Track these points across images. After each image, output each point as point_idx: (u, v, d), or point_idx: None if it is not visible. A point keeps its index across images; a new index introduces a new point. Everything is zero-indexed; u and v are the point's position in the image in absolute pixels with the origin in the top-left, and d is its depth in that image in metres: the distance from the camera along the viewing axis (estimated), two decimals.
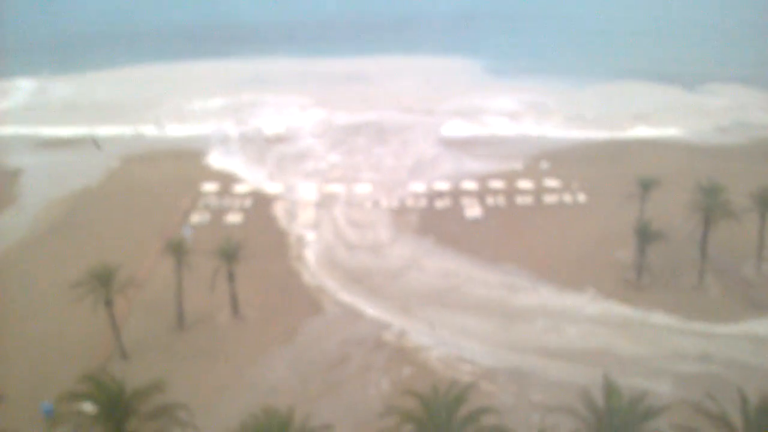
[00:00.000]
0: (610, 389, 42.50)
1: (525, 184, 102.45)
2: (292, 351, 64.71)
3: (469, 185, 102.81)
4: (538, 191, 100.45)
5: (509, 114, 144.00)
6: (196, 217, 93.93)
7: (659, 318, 70.05)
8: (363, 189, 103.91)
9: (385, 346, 65.04)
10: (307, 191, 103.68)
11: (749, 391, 42.90)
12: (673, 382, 58.88)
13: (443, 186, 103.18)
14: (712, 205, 75.79)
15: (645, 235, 75.48)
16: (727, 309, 71.97)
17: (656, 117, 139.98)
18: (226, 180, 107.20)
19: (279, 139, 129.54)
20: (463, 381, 52.12)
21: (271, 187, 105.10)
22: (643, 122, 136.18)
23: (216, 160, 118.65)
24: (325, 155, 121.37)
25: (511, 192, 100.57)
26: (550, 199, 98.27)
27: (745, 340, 66.35)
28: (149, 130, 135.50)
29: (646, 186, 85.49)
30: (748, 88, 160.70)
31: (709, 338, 66.62)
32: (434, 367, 61.35)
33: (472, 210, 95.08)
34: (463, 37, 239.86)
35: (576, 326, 68.76)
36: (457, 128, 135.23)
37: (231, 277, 69.73)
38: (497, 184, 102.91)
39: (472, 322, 69.51)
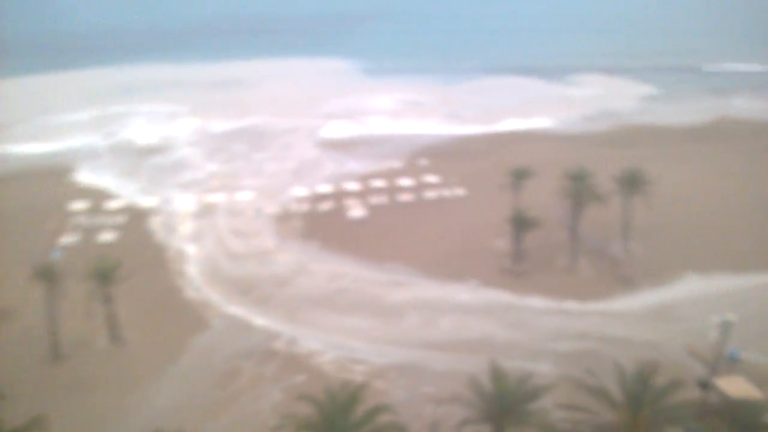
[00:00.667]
0: (497, 374, 43.97)
1: (406, 181, 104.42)
2: (179, 370, 62.52)
3: (352, 186, 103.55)
4: (419, 188, 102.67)
5: (387, 113, 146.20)
6: (65, 239, 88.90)
7: (537, 301, 73.16)
8: (244, 196, 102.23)
9: (276, 355, 64.17)
10: (185, 203, 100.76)
11: (624, 363, 45.62)
12: (554, 362, 61.61)
13: (326, 188, 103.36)
14: (580, 191, 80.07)
15: (520, 223, 78.70)
16: (599, 287, 76.20)
17: (526, 109, 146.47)
18: (97, 196, 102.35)
19: (152, 151, 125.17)
20: (356, 381, 52.35)
21: (146, 201, 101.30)
22: (514, 115, 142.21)
23: (85, 176, 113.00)
24: (203, 164, 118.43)
25: (392, 190, 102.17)
26: (430, 194, 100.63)
27: (617, 316, 70.53)
28: (9, 149, 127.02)
29: (520, 176, 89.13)
30: (610, 78, 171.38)
31: (585, 316, 70.30)
32: (327, 371, 61.15)
33: (356, 211, 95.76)
34: (338, 38, 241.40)
35: (460, 316, 70.56)
36: (336, 130, 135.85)
37: (108, 300, 66.37)
38: (379, 183, 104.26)
39: (362, 322, 69.85)
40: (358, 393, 43.19)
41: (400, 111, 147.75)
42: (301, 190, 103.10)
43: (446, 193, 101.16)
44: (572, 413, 43.35)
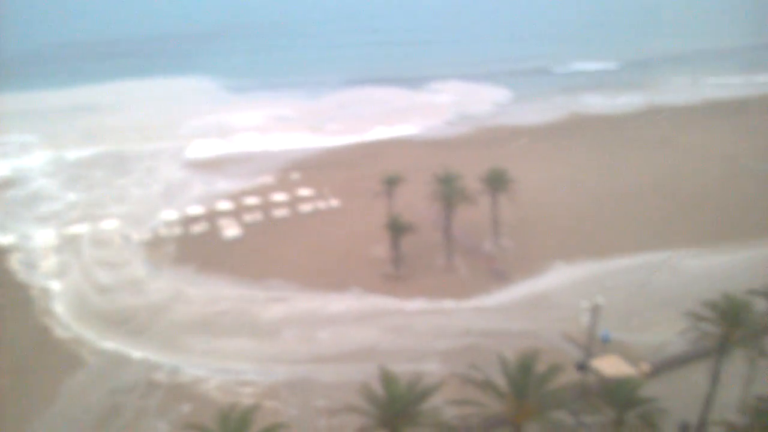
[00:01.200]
0: (387, 379, 44.32)
1: (279, 196, 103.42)
2: (54, 413, 58.46)
3: (224, 205, 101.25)
4: (293, 202, 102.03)
5: (254, 129, 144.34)
6: None
7: (419, 303, 74.67)
8: (109, 225, 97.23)
9: (159, 387, 61.45)
10: (45, 236, 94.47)
11: (507, 354, 47.40)
12: (441, 360, 63.10)
13: (197, 210, 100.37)
14: (450, 193, 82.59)
15: (396, 229, 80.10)
16: (476, 284, 78.93)
17: (391, 118, 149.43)
18: None
19: (3, 185, 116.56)
20: (246, 404, 51.09)
21: (2, 239, 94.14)
22: (380, 124, 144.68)
23: None
24: (61, 194, 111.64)
25: (266, 206, 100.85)
26: (305, 207, 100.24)
27: (495, 309, 73.27)
28: None
29: (391, 183, 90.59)
30: (467, 84, 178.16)
31: (465, 313, 72.52)
32: (214, 397, 59.28)
33: (231, 230, 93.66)
34: (196, 56, 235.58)
35: (345, 326, 70.66)
36: (203, 149, 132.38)
37: None
38: (252, 200, 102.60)
39: (246, 343, 68.32)
40: (250, 415, 42.16)
41: (267, 126, 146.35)
42: (170, 214, 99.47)
43: (321, 205, 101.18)
44: (462, 408, 44.44)
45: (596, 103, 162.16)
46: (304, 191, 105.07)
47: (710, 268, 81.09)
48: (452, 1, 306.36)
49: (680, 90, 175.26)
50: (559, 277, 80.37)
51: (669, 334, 65.51)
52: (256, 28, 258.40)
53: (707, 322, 52.52)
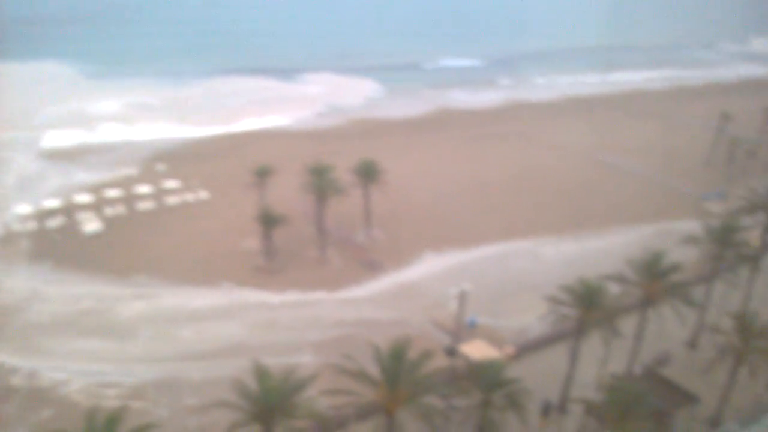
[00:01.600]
0: (260, 373, 43.78)
1: (144, 188, 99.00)
2: None
3: (83, 198, 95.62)
4: (159, 194, 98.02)
5: (116, 118, 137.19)
6: None
7: (292, 296, 74.30)
8: None
9: (17, 392, 57.35)
10: None
11: (379, 342, 48.17)
12: (314, 352, 63.18)
13: (53, 203, 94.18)
14: (322, 185, 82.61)
15: (268, 221, 79.18)
16: (349, 275, 79.60)
17: (262, 109, 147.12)
18: None
19: None
20: (112, 406, 48.81)
21: None
22: (250, 115, 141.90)
23: None
24: None
25: (130, 199, 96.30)
26: (172, 200, 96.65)
27: (367, 299, 74.29)
28: None
29: (262, 174, 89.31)
30: (338, 76, 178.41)
31: (338, 304, 73.00)
32: (76, 401, 56.08)
33: (91, 224, 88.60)
34: (52, 40, 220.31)
35: (214, 322, 69.07)
36: (60, 139, 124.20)
37: None
38: (114, 192, 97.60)
39: (109, 343, 65.11)
40: (117, 417, 40.28)
41: (129, 115, 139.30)
42: (24, 208, 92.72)
43: (189, 197, 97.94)
44: (336, 398, 44.77)
45: (462, 98, 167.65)
46: (171, 183, 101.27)
47: (568, 255, 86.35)
48: None
49: (540, 87, 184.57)
50: (428, 266, 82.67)
51: (531, 318, 69.23)
52: (116, 12, 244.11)
53: (565, 306, 55.92)
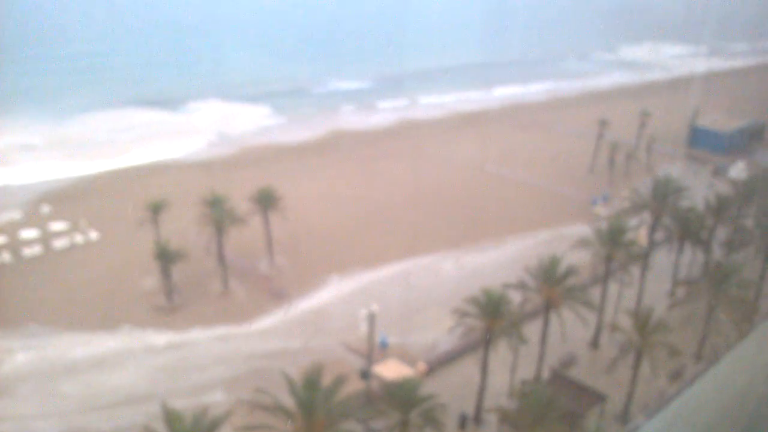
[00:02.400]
0: (170, 417, 42.18)
1: (29, 233, 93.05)
2: None
3: None
4: (46, 238, 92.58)
5: None
6: None
7: (197, 333, 72.09)
8: None
9: None
10: None
11: (292, 372, 47.51)
12: (226, 389, 61.46)
13: None
14: (219, 216, 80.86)
15: (165, 258, 76.69)
16: (254, 306, 78.30)
17: (150, 141, 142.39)
18: None
19: None
20: None
21: None
22: (139, 148, 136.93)
23: None
24: None
25: (15, 245, 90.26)
26: (60, 243, 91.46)
27: (276, 330, 73.24)
28: None
29: (156, 209, 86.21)
30: (228, 104, 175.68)
31: (245, 337, 71.52)
32: None
33: None
34: None
35: (118, 367, 66.00)
36: None
37: None
38: None
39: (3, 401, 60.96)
40: None
41: (10, 157, 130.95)
42: None
43: (78, 238, 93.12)
44: None
45: (354, 120, 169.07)
46: (58, 225, 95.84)
47: (469, 267, 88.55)
48: (195, 21, 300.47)
49: (429, 105, 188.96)
50: (334, 290, 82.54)
51: (440, 333, 70.26)
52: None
53: (471, 317, 57.24)
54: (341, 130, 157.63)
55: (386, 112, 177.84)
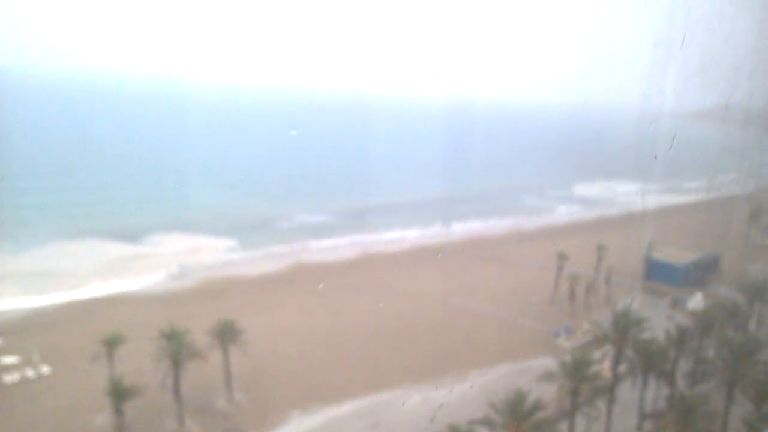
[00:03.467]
0: None
1: None
2: None
3: None
4: None
5: None
6: None
7: None
8: None
9: None
10: None
11: None
12: None
13: None
14: (177, 350, 78.82)
15: (118, 394, 73.77)
16: None
17: (111, 273, 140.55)
18: None
19: None
20: None
21: None
22: (96, 280, 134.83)
23: None
24: None
25: None
26: (10, 378, 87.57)
27: None
28: None
29: (111, 344, 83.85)
30: (188, 236, 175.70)
31: None
32: None
33: None
34: None
35: None
36: None
37: None
38: None
39: None
40: None
41: None
42: None
43: (29, 373, 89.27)
44: None
45: (317, 253, 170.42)
46: (8, 359, 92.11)
47: (434, 403, 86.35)
48: (159, 156, 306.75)
49: (390, 239, 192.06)
50: (296, 428, 79.67)
51: None
52: None
53: None
54: (304, 262, 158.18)
55: (349, 246, 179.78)
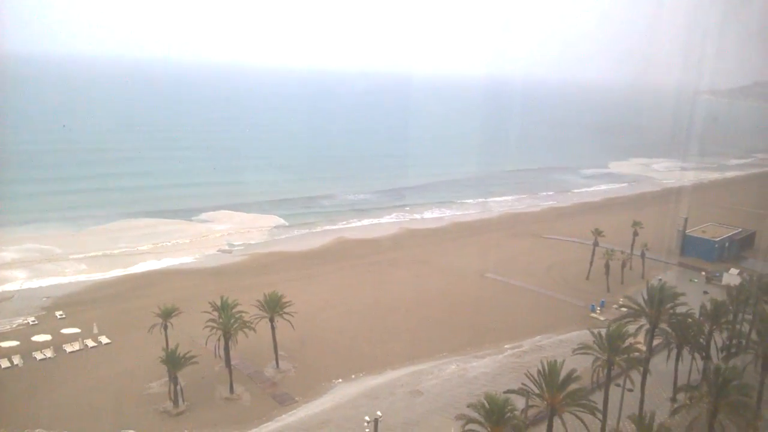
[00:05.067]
0: None
1: (42, 337, 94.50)
2: None
3: None
4: (58, 342, 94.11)
5: (11, 266, 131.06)
6: None
7: None
8: None
9: None
10: None
11: None
12: None
13: None
14: (227, 321, 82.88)
15: (173, 363, 78.00)
16: (260, 411, 79.11)
17: (164, 249, 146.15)
18: None
19: None
20: None
21: None
22: (152, 255, 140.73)
23: None
24: None
25: (27, 349, 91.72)
26: (72, 347, 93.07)
27: None
28: None
29: (166, 315, 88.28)
30: (239, 213, 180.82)
31: None
32: None
33: None
34: None
35: None
36: None
37: None
38: (10, 343, 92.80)
39: None
40: None
41: (26, 261, 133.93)
42: None
43: (90, 343, 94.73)
44: None
45: (359, 229, 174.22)
46: (70, 330, 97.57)
47: (471, 373, 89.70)
48: (211, 141, 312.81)
49: (429, 216, 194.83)
50: (340, 395, 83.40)
51: None
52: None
53: (476, 424, 58.39)
54: (347, 239, 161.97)
55: (389, 223, 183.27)
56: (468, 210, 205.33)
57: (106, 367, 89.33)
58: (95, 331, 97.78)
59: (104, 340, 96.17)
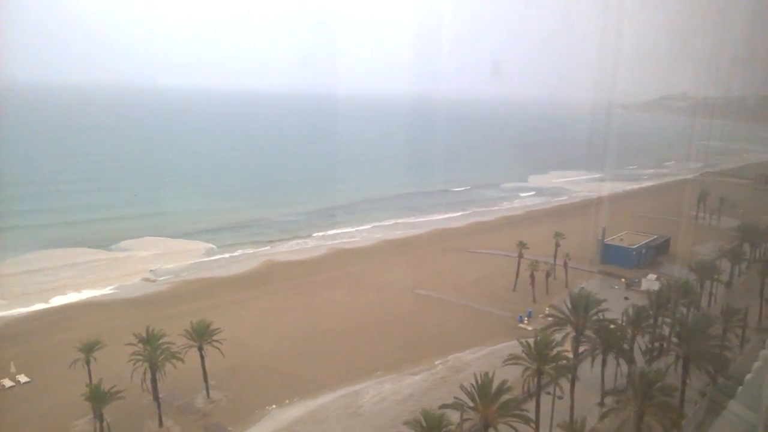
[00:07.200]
0: None
1: None
2: None
3: None
4: None
5: None
6: None
7: None
8: None
9: None
10: None
11: None
12: None
13: None
14: (153, 352, 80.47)
15: (98, 398, 74.96)
16: None
17: (85, 280, 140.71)
18: None
19: None
20: None
21: None
22: (71, 287, 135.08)
23: None
24: None
25: None
26: None
27: None
28: None
29: (88, 349, 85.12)
30: (164, 240, 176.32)
31: None
32: None
33: None
34: None
35: None
36: None
37: None
38: None
39: None
40: None
41: None
42: None
43: (8, 383, 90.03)
44: None
45: (288, 250, 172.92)
46: None
47: (407, 390, 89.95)
48: (129, 166, 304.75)
49: (358, 234, 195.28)
50: (275, 422, 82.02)
51: None
52: None
53: None
54: (276, 261, 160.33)
55: (319, 243, 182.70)
56: (396, 228, 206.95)
57: (26, 407, 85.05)
58: (12, 369, 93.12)
59: (23, 378, 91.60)
